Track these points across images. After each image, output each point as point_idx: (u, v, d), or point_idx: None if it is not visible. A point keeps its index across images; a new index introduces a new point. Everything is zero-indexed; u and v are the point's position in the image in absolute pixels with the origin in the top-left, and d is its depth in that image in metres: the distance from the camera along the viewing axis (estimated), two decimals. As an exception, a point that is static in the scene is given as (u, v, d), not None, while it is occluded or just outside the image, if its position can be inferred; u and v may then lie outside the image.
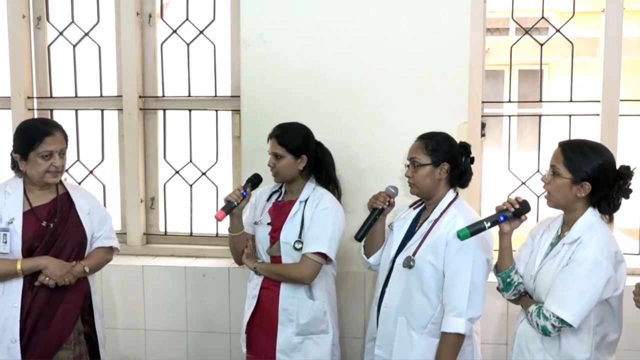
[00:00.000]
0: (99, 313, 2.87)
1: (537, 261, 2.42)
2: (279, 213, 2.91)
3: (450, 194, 2.67)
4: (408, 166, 2.67)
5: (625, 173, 2.33)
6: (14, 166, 2.71)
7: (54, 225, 2.68)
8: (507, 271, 2.44)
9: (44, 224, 2.67)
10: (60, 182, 2.78)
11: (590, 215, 2.34)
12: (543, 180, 2.41)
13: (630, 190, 2.35)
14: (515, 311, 2.58)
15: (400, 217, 2.81)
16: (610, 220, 2.41)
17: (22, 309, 2.63)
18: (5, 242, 2.61)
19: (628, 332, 2.91)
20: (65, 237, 2.70)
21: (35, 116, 3.75)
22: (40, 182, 2.68)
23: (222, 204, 2.84)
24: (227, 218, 2.83)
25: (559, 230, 2.44)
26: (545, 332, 2.28)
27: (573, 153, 2.32)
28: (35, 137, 2.61)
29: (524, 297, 2.46)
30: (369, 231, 2.74)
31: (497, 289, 2.54)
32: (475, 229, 2.36)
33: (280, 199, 2.98)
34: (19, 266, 2.58)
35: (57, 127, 2.70)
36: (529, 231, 2.59)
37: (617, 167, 2.35)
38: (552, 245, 2.42)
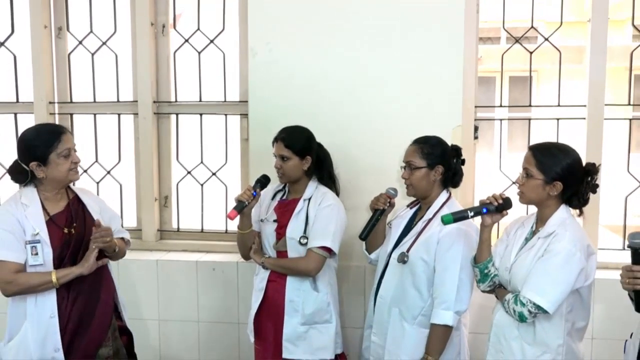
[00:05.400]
0: (123, 306, 2.80)
1: (513, 254, 2.45)
2: (284, 211, 2.92)
3: (444, 195, 2.70)
4: (404, 168, 2.68)
5: (592, 170, 2.38)
6: (24, 177, 2.53)
7: (76, 231, 2.57)
8: (485, 262, 2.46)
9: (65, 230, 2.55)
10: (68, 186, 2.67)
11: (563, 212, 2.39)
12: (517, 182, 2.45)
13: (597, 185, 2.40)
14: (490, 303, 2.60)
15: (398, 215, 2.83)
16: (581, 214, 2.44)
17: (60, 317, 2.52)
18: (37, 254, 2.47)
19: (599, 323, 2.93)
20: (88, 240, 2.56)
21: (57, 120, 3.77)
22: (65, 181, 2.56)
23: (231, 202, 2.85)
24: (238, 216, 2.83)
25: (534, 226, 2.48)
26: (521, 318, 2.30)
27: (543, 155, 2.37)
28: (53, 138, 2.50)
29: (498, 289, 2.48)
30: (372, 230, 2.75)
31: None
32: (458, 216, 2.41)
33: (284, 197, 2.99)
34: (54, 278, 2.46)
35: (64, 127, 2.65)
36: (504, 228, 2.63)
37: (584, 164, 2.40)
38: (527, 239, 2.45)
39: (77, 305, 2.57)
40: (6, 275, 2.45)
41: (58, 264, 2.52)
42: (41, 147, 2.49)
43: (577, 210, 2.43)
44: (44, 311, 2.51)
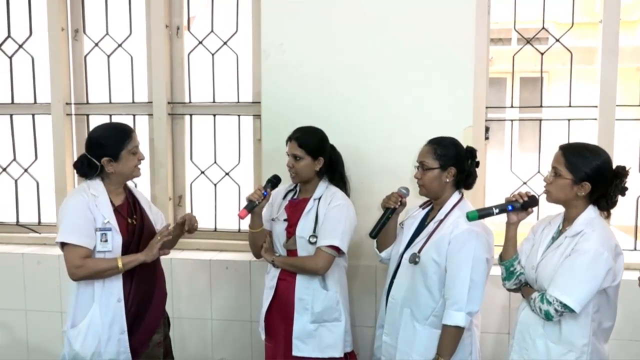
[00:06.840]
0: None
1: (539, 253, 2.42)
2: (294, 210, 2.91)
3: (456, 196, 2.65)
4: (418, 168, 2.65)
5: (622, 172, 2.35)
6: (93, 172, 2.61)
7: (138, 222, 2.69)
8: (511, 260, 2.45)
9: (129, 221, 2.67)
10: None
11: (591, 212, 2.35)
12: (545, 180, 2.41)
13: (627, 188, 2.36)
14: (517, 304, 2.57)
15: (410, 216, 2.80)
16: (608, 216, 2.42)
17: (124, 302, 2.63)
18: (106, 241, 2.57)
19: (628, 323, 2.88)
20: (148, 230, 2.71)
21: (73, 121, 3.80)
22: (130, 177, 2.68)
23: (244, 202, 2.84)
24: (249, 215, 2.82)
25: (560, 226, 2.45)
26: (548, 316, 2.28)
27: (573, 156, 2.33)
28: (125, 136, 2.62)
29: (524, 287, 2.46)
30: (383, 229, 2.72)
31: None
32: (483, 213, 2.40)
33: (295, 197, 2.98)
34: (120, 264, 2.55)
35: (131, 126, 2.73)
36: (530, 227, 2.59)
37: (614, 167, 2.36)
38: (554, 238, 2.42)
39: (139, 291, 2.68)
40: (76, 259, 2.54)
41: (124, 251, 2.62)
42: (114, 145, 2.60)
43: (605, 212, 2.38)
44: (111, 295, 2.61)
